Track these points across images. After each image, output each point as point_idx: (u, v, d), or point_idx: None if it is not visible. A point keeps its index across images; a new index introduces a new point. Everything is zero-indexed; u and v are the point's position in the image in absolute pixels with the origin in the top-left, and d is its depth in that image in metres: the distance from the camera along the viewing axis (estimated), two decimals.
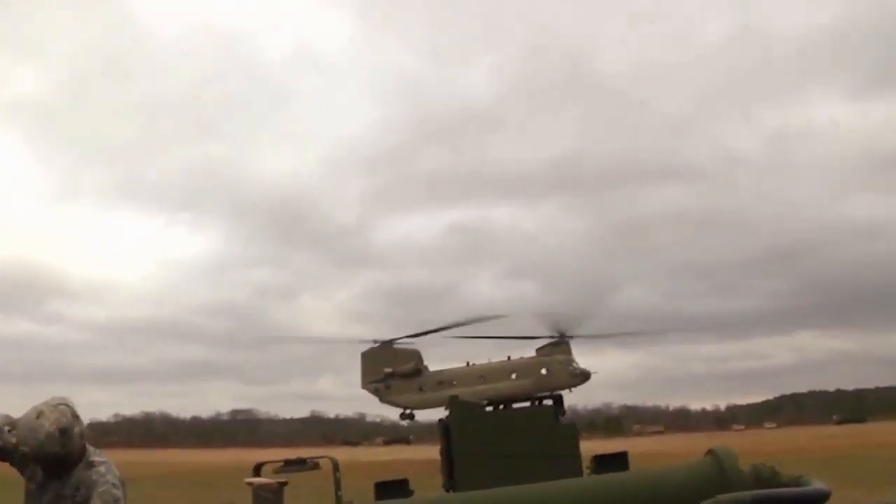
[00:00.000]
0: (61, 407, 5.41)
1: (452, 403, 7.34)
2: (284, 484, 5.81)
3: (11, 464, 5.60)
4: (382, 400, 53.60)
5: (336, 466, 7.01)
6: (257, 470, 6.91)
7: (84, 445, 5.50)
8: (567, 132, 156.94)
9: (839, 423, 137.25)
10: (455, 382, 53.39)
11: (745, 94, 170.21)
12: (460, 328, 53.08)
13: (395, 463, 54.94)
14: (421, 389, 53.05)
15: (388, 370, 52.64)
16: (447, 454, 7.35)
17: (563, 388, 52.06)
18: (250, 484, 5.53)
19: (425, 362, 54.95)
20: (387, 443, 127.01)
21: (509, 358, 54.27)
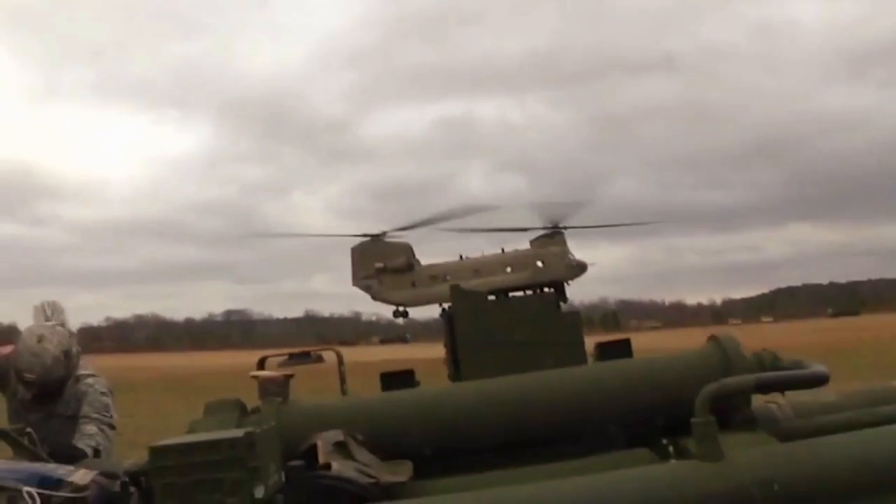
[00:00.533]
0: (59, 328, 5.44)
1: (454, 292, 6.89)
2: (290, 377, 5.30)
3: None
4: (375, 297, 52.07)
5: (340, 359, 6.86)
6: (261, 364, 6.38)
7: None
8: (548, 25, 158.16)
9: (834, 316, 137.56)
10: (448, 277, 51.84)
11: None
12: (452, 221, 51.17)
13: (393, 362, 54.13)
14: (413, 285, 51.56)
15: (378, 265, 51.07)
16: (451, 344, 7.01)
17: (559, 280, 50.76)
18: (255, 377, 5.18)
19: (417, 257, 52.93)
20: (383, 342, 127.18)
21: (503, 251, 52.74)
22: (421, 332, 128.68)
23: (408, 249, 52.26)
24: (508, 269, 51.55)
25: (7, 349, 5.66)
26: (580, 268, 51.93)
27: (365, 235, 52.03)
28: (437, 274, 51.84)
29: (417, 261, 52.52)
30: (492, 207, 52.25)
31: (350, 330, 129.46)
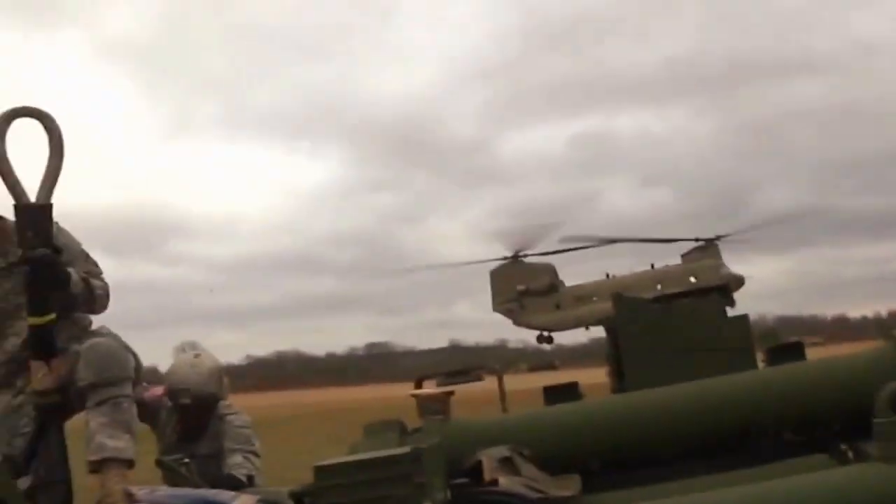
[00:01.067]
0: (210, 354, 5.70)
1: (617, 300, 6.49)
2: (451, 394, 5.38)
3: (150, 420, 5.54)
4: (517, 322, 49.68)
5: (500, 376, 7.27)
6: (419, 383, 6.68)
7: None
8: (688, 30, 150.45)
9: None
10: (595, 297, 48.95)
11: None
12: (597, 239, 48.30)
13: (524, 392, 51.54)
14: (558, 307, 48.90)
15: (520, 288, 48.54)
16: (614, 355, 6.57)
17: (725, 285, 47.22)
18: (415, 396, 5.38)
19: (561, 278, 50.06)
20: (531, 369, 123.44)
21: (653, 267, 49.04)
22: (569, 357, 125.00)
23: (551, 270, 49.88)
24: (658, 287, 48.47)
25: (158, 390, 5.65)
26: (736, 281, 48.50)
27: (505, 258, 49.16)
28: (582, 295, 49.45)
29: (561, 282, 50.26)
30: (639, 240, 49.04)
31: (496, 358, 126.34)
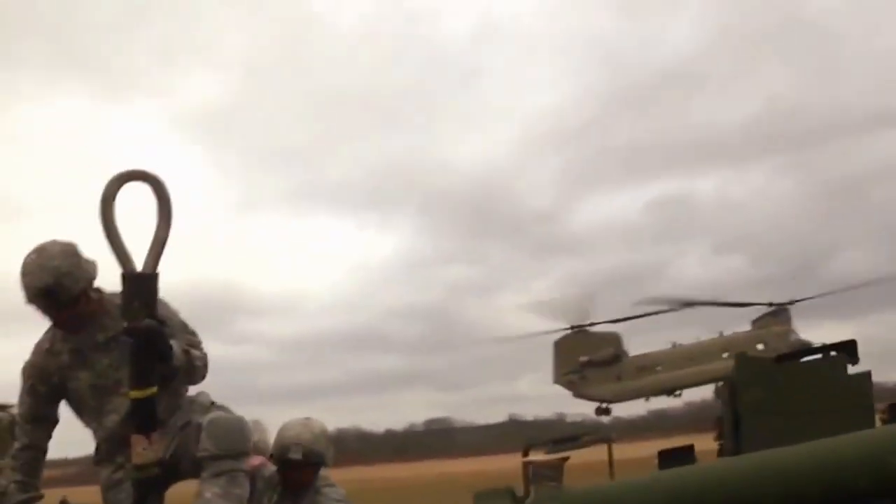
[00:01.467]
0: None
1: (739, 360, 6.68)
2: (566, 459, 5.48)
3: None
4: (576, 394, 48.32)
5: (609, 444, 7.96)
6: (526, 451, 7.50)
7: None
8: (776, 84, 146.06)
9: None
10: (659, 367, 47.54)
11: None
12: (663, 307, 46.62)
13: (599, 462, 49.50)
14: (619, 378, 47.15)
15: (583, 359, 46.68)
16: (733, 415, 6.34)
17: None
18: (528, 463, 5.97)
19: (626, 348, 48.42)
20: (588, 443, 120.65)
21: (721, 335, 47.18)
22: (627, 430, 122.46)
23: (616, 340, 48.40)
24: (725, 355, 46.42)
25: (256, 460, 5.40)
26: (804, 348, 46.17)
27: (570, 328, 47.62)
28: (645, 365, 47.78)
29: (625, 352, 48.09)
30: (710, 303, 47.23)
31: (555, 432, 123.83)
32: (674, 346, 48.49)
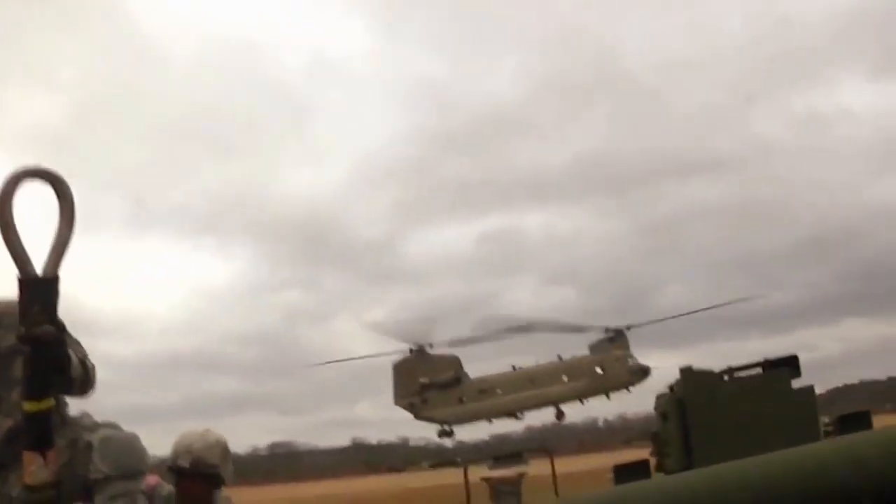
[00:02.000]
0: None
1: (685, 374, 6.61)
2: (523, 475, 6.51)
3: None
4: (418, 416, 47.12)
5: (552, 458, 8.19)
6: (465, 470, 7.91)
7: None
8: (595, 130, 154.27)
9: (893, 411, 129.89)
10: (500, 390, 46.94)
11: (771, 82, 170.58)
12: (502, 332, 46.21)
13: (449, 486, 48.62)
14: (461, 401, 46.40)
15: (423, 381, 45.84)
16: (682, 429, 6.61)
17: (620, 388, 45.88)
18: (487, 479, 6.09)
19: (466, 371, 47.74)
20: (433, 466, 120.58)
21: (560, 358, 47.04)
22: (472, 453, 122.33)
23: (456, 363, 47.68)
24: (565, 378, 46.52)
25: (152, 479, 5.07)
26: (642, 372, 46.88)
27: (410, 350, 46.73)
28: (486, 388, 47.35)
29: (465, 374, 47.40)
30: (543, 323, 46.96)
31: (398, 456, 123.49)
32: (514, 369, 48.19)
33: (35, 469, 3.76)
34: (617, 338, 46.99)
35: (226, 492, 5.43)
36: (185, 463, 5.10)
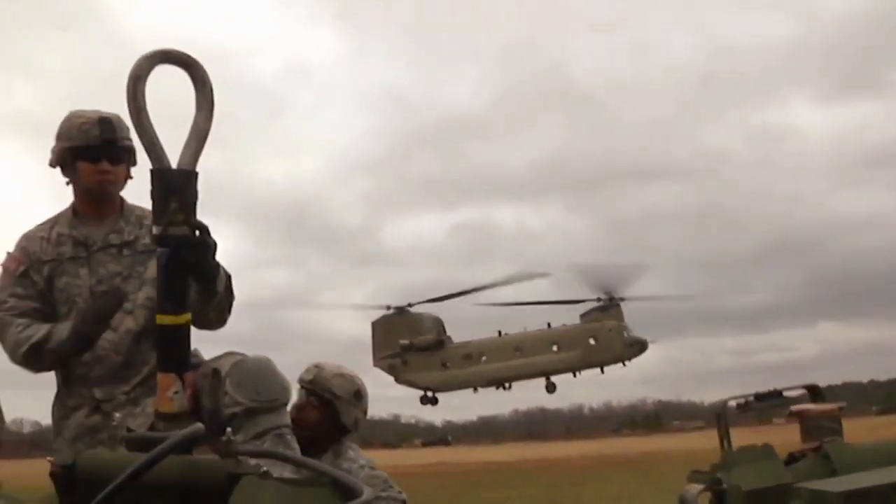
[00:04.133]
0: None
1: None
2: (843, 408, 4.99)
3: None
4: (398, 379, 42.43)
5: (817, 390, 5.88)
6: (723, 405, 5.92)
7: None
8: (552, 136, 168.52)
9: (879, 413, 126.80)
10: (485, 357, 41.77)
11: (718, 100, 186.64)
12: (489, 292, 41.47)
13: (441, 464, 45.90)
14: (444, 365, 41.55)
15: (404, 342, 41.16)
16: None
17: (615, 361, 41.12)
18: (801, 413, 4.83)
19: (449, 334, 42.99)
20: (425, 444, 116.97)
21: (549, 326, 42.39)
22: (461, 433, 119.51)
23: (438, 324, 43.11)
24: (555, 348, 41.90)
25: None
26: (639, 346, 42.29)
27: (388, 308, 42.13)
28: (471, 352, 42.74)
29: (449, 337, 42.93)
30: (538, 275, 42.30)
31: (390, 433, 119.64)
32: (500, 334, 43.62)
33: (172, 394, 3.01)
34: (611, 307, 42.47)
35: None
36: (307, 376, 4.32)
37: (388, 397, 43.91)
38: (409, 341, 41.78)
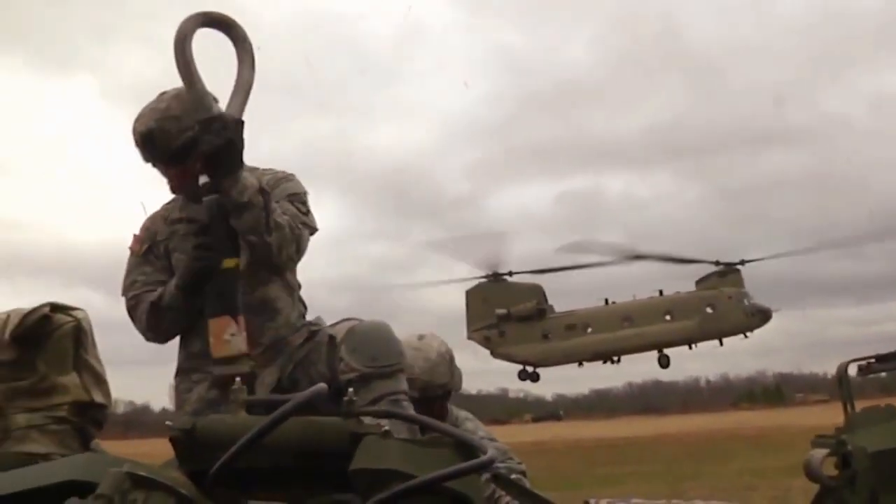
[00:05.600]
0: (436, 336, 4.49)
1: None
2: None
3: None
4: (495, 353, 38.53)
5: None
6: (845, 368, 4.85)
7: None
8: (667, 102, 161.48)
9: None
10: (591, 327, 37.50)
11: (836, 64, 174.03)
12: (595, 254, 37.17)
13: (554, 441, 41.85)
14: (546, 337, 37.29)
15: (501, 311, 36.92)
16: None
17: (735, 332, 36.37)
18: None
19: (551, 303, 38.74)
20: (535, 420, 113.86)
21: (661, 293, 37.88)
22: (573, 408, 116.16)
23: (539, 292, 38.93)
24: (668, 317, 37.25)
25: None
26: (762, 315, 37.47)
27: (486, 276, 38.11)
28: (575, 322, 38.34)
29: (551, 307, 38.67)
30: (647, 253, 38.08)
31: (499, 408, 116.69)
32: (607, 303, 39.24)
33: (229, 336, 3.05)
34: (729, 272, 37.75)
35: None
36: (413, 394, 3.78)
37: (483, 371, 39.93)
38: (506, 310, 37.87)
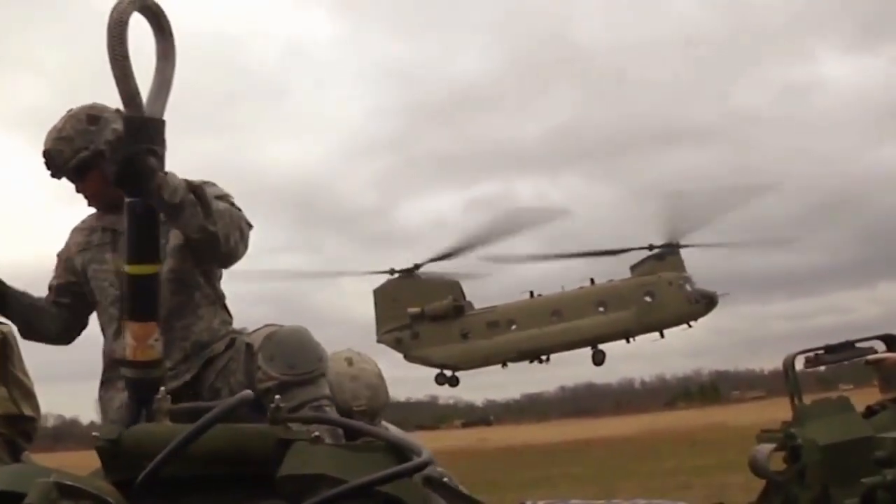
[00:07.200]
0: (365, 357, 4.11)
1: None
2: None
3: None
4: (408, 356, 34.02)
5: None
6: (791, 359, 5.02)
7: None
8: (565, 104, 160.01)
9: None
10: (515, 324, 32.85)
11: (737, 58, 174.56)
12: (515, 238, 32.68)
13: (484, 444, 42.28)
14: (465, 336, 32.61)
15: (413, 311, 32.18)
16: None
17: (677, 322, 32.29)
18: (877, 362, 4.60)
19: (469, 299, 34.21)
20: (465, 425, 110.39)
21: (593, 282, 33.46)
22: (503, 412, 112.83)
23: (455, 287, 34.27)
24: (601, 309, 32.92)
25: None
26: (707, 301, 33.11)
27: (393, 272, 33.35)
28: (498, 319, 33.64)
29: (469, 303, 34.04)
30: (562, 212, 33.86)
31: (428, 414, 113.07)
32: (532, 296, 34.68)
33: (153, 342, 2.98)
34: (668, 255, 33.55)
35: None
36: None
37: (395, 379, 35.20)
38: (419, 309, 33.18)
